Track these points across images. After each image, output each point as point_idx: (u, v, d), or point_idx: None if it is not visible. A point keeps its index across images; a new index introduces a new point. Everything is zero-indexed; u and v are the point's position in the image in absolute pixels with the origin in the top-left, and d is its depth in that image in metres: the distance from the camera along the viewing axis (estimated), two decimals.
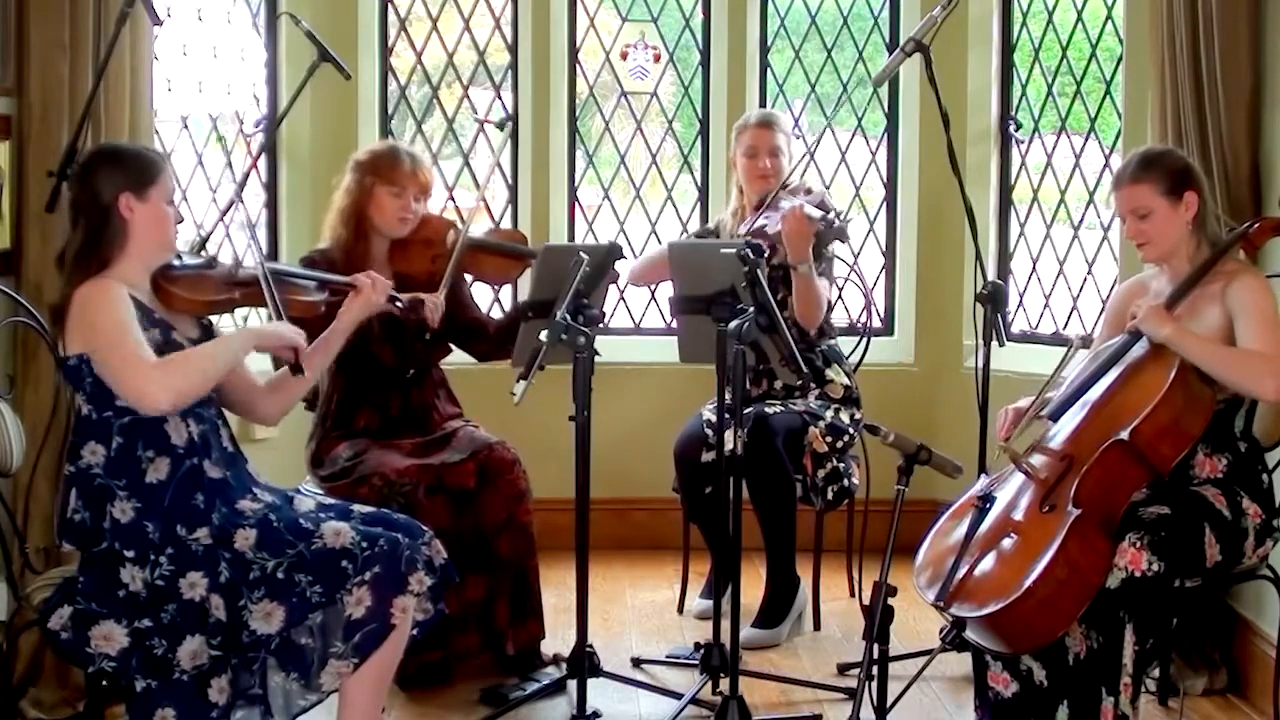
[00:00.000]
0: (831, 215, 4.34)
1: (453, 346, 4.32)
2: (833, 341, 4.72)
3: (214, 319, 3.44)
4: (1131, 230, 3.55)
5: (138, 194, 3.17)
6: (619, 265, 3.93)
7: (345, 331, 3.57)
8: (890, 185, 5.64)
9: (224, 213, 4.40)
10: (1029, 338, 5.38)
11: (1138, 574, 3.20)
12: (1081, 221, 5.35)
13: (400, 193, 4.13)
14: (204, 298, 3.29)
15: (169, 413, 3.11)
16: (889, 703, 3.25)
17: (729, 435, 3.72)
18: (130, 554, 3.08)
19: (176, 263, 3.29)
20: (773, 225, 4.43)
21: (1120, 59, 5.03)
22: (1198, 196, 3.49)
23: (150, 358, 3.09)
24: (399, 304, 3.76)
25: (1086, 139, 5.35)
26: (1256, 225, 3.56)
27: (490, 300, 5.51)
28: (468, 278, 4.33)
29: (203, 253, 3.56)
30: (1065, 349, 3.59)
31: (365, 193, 4.15)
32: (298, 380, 3.41)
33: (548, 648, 4.18)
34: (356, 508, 3.37)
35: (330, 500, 3.46)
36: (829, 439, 4.49)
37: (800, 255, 4.38)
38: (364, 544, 3.13)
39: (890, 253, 5.64)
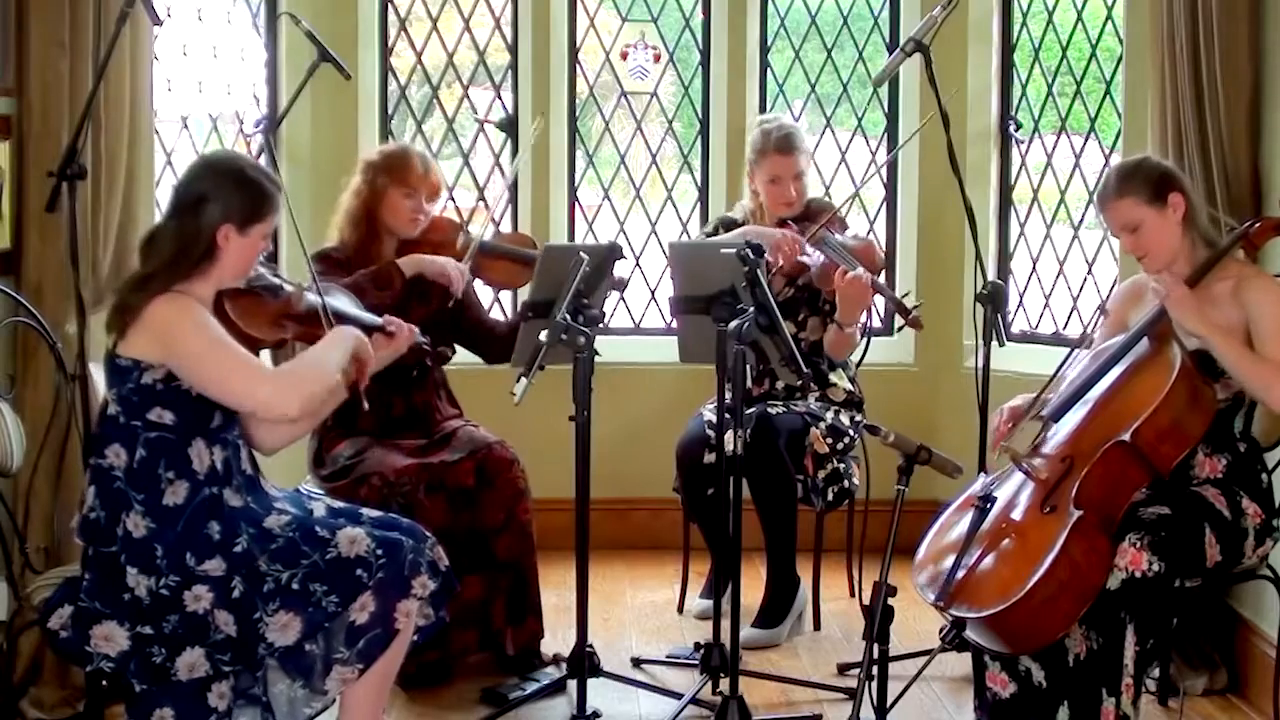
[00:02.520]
0: (907, 300, 4.32)
1: (457, 347, 4.33)
2: None
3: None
4: (1128, 245, 3.56)
5: (240, 228, 3.12)
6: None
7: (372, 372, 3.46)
8: (890, 185, 5.64)
9: None
10: (1029, 338, 5.39)
11: (1138, 574, 3.21)
12: (1081, 221, 5.35)
13: (412, 193, 4.17)
14: (255, 332, 3.20)
15: (297, 419, 3.14)
16: (889, 703, 3.25)
17: (729, 435, 3.72)
18: (134, 569, 3.06)
19: (242, 284, 3.22)
20: (816, 265, 4.41)
21: (1120, 59, 5.03)
22: (1182, 197, 3.50)
23: (268, 368, 3.11)
24: (426, 347, 3.68)
25: (1086, 139, 5.35)
26: (1258, 225, 3.56)
27: (491, 300, 5.52)
28: (477, 281, 4.35)
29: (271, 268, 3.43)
30: (1068, 351, 3.59)
31: (377, 194, 4.17)
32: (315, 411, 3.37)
33: (548, 647, 4.18)
34: (366, 511, 3.34)
35: (339, 504, 3.42)
36: (829, 440, 4.49)
37: (852, 319, 4.39)
38: (379, 551, 3.11)
39: (890, 253, 5.63)
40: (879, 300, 4.70)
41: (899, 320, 4.41)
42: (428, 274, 4.10)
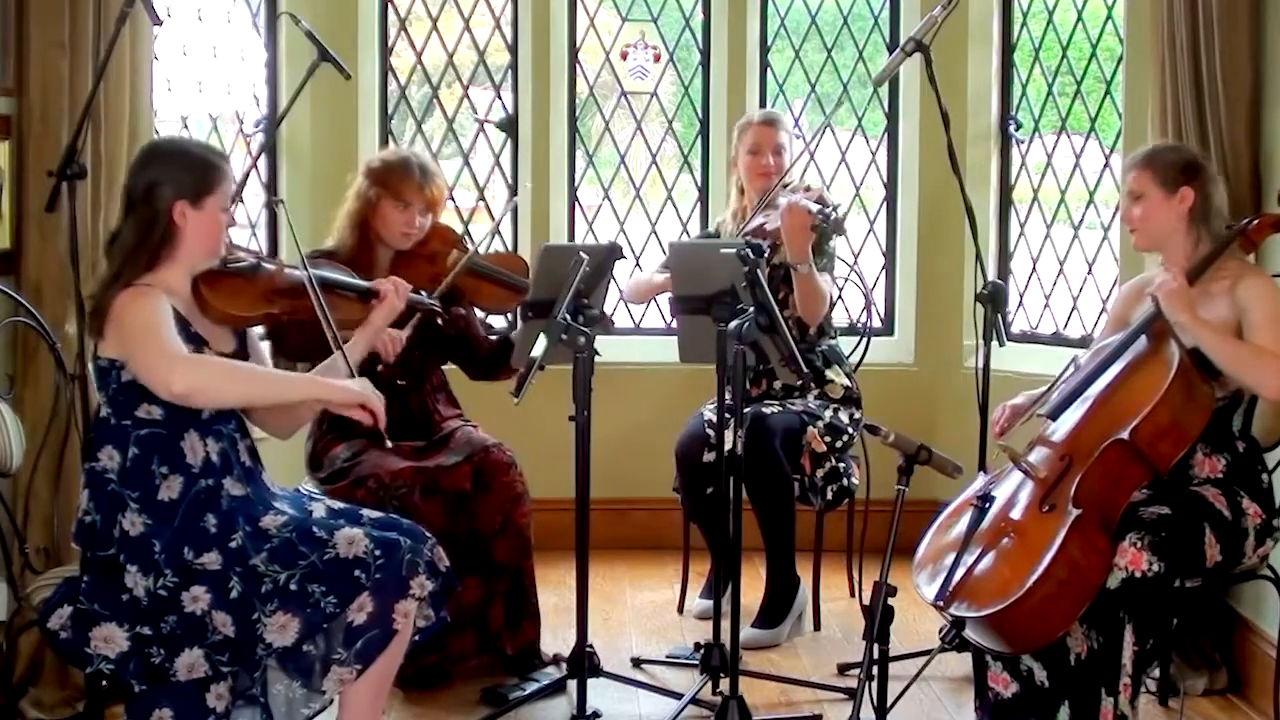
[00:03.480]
0: (829, 209, 4.34)
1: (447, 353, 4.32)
2: (833, 342, 4.73)
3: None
4: (1126, 213, 3.62)
5: (194, 202, 3.12)
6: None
7: (370, 343, 3.48)
8: (890, 185, 5.64)
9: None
10: (1029, 338, 5.38)
11: (1138, 574, 3.21)
12: (1081, 221, 5.34)
13: (405, 207, 4.09)
14: (240, 311, 3.20)
15: (178, 400, 3.02)
16: (889, 703, 3.25)
17: (728, 435, 3.72)
18: (133, 568, 3.06)
19: (218, 265, 3.22)
20: (772, 222, 4.44)
21: (1120, 59, 5.04)
22: (1195, 192, 3.52)
23: (180, 350, 3.04)
24: (435, 309, 3.68)
25: (1087, 139, 5.35)
26: (1256, 221, 3.57)
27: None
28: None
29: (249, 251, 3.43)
30: (1072, 358, 3.59)
31: (370, 203, 4.11)
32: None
33: (548, 648, 4.18)
34: (366, 512, 3.33)
35: (338, 504, 3.41)
36: (827, 439, 4.49)
37: (800, 254, 4.39)
38: (377, 552, 3.10)
39: (890, 253, 5.64)
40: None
41: (826, 229, 4.36)
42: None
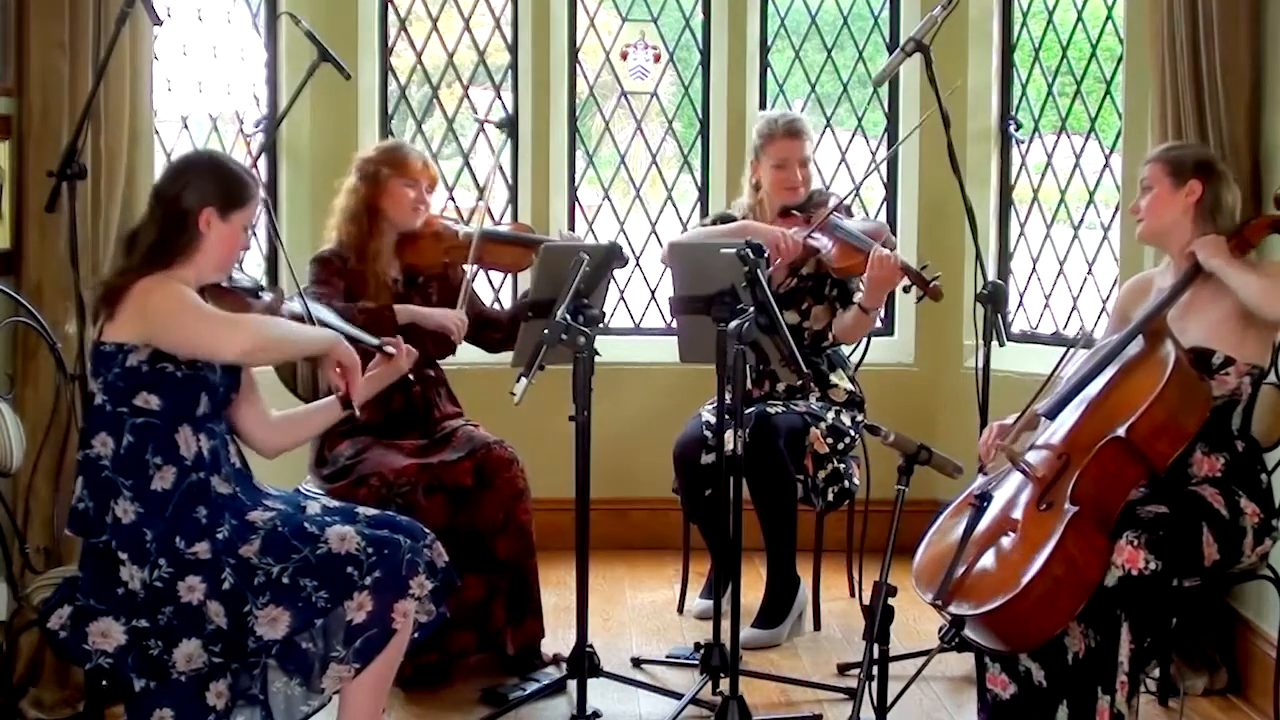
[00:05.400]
0: (922, 270, 4.35)
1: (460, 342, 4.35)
2: (838, 346, 4.72)
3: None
4: (1134, 204, 3.66)
5: (221, 212, 3.18)
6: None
7: (364, 399, 3.45)
8: (890, 185, 5.64)
9: None
10: (1029, 338, 5.39)
11: (1135, 572, 3.21)
12: (1081, 221, 5.35)
13: (414, 183, 4.23)
14: None
15: (240, 360, 3.16)
16: (889, 703, 3.25)
17: (729, 435, 3.72)
18: (125, 556, 3.07)
19: (224, 283, 3.27)
20: (830, 250, 4.43)
21: (1120, 59, 5.04)
22: (1202, 188, 3.55)
23: (222, 313, 3.14)
24: (409, 377, 3.78)
25: (1086, 139, 5.35)
26: (1252, 222, 3.58)
27: (492, 297, 5.53)
28: (474, 267, 4.38)
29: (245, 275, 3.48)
30: (1065, 350, 3.60)
31: (379, 185, 4.21)
32: (306, 424, 3.44)
33: (548, 647, 4.18)
34: (362, 510, 3.35)
35: (335, 503, 3.44)
36: (830, 440, 4.48)
37: (878, 301, 4.43)
38: (369, 549, 3.12)
39: None
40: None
41: (917, 293, 4.39)
42: (424, 326, 4.08)
